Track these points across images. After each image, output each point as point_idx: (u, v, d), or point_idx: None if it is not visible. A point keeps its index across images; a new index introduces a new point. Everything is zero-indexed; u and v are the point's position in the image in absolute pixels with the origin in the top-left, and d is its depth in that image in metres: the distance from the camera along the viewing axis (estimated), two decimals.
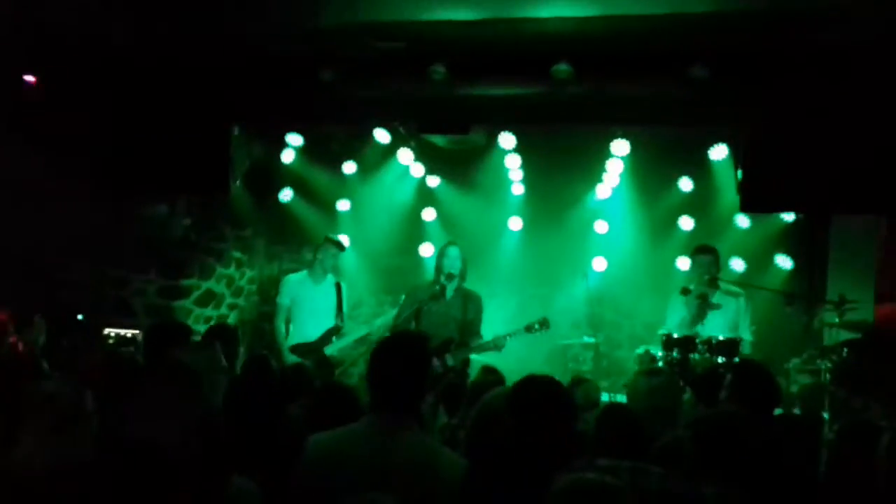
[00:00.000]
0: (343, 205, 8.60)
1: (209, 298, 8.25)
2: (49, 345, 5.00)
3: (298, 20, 5.91)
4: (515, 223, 8.44)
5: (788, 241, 7.84)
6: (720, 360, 5.94)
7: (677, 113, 6.79)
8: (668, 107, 6.68)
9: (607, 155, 7.73)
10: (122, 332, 6.49)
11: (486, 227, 8.40)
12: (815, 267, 7.69)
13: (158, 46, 6.42)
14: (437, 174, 8.52)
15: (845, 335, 6.23)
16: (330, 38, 6.17)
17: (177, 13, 5.87)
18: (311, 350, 6.87)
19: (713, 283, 6.68)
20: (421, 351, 3.17)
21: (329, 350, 6.95)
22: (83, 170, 6.90)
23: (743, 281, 7.25)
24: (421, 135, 7.62)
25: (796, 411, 5.60)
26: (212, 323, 8.11)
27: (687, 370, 5.90)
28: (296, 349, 6.94)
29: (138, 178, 7.12)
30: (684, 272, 7.52)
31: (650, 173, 7.94)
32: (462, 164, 8.33)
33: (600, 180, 8.08)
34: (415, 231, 8.60)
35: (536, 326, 6.52)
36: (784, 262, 7.82)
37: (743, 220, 7.80)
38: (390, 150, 8.22)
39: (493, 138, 7.80)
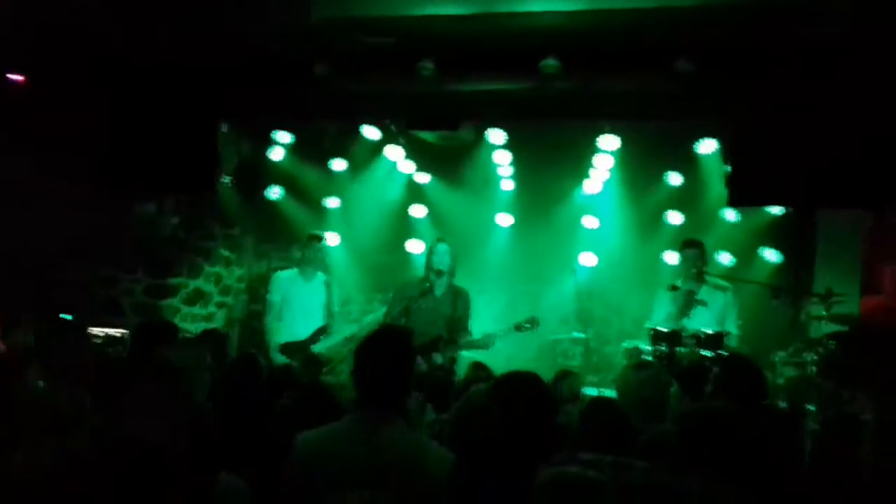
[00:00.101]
0: (332, 202, 8.58)
1: (197, 297, 8.24)
2: (37, 345, 4.97)
3: (287, 16, 5.90)
4: (504, 219, 8.44)
5: (775, 234, 7.88)
6: (707, 353, 5.97)
7: (664, 107, 6.81)
8: (656, 101, 6.71)
9: (595, 150, 7.75)
10: (111, 331, 6.47)
11: (476, 223, 8.39)
12: (801, 260, 7.73)
13: (145, 44, 6.40)
14: (427, 171, 8.51)
15: (832, 328, 6.26)
16: (319, 33, 6.16)
17: (165, 11, 5.85)
18: (300, 349, 6.86)
19: (700, 276, 6.71)
20: (405, 346, 3.18)
21: (317, 348, 6.95)
22: (71, 169, 6.88)
23: (730, 274, 7.28)
24: (410, 131, 7.62)
25: (783, 404, 5.62)
26: (200, 322, 8.11)
27: (674, 364, 5.93)
28: (285, 348, 6.93)
29: (126, 177, 7.08)
30: (672, 266, 7.54)
31: (638, 168, 7.95)
32: (451, 161, 8.33)
33: (588, 175, 8.09)
34: (404, 228, 8.59)
35: (526, 325, 6.52)
36: (771, 255, 7.85)
37: (730, 214, 7.83)
38: (379, 147, 8.22)
39: (482, 134, 7.81)
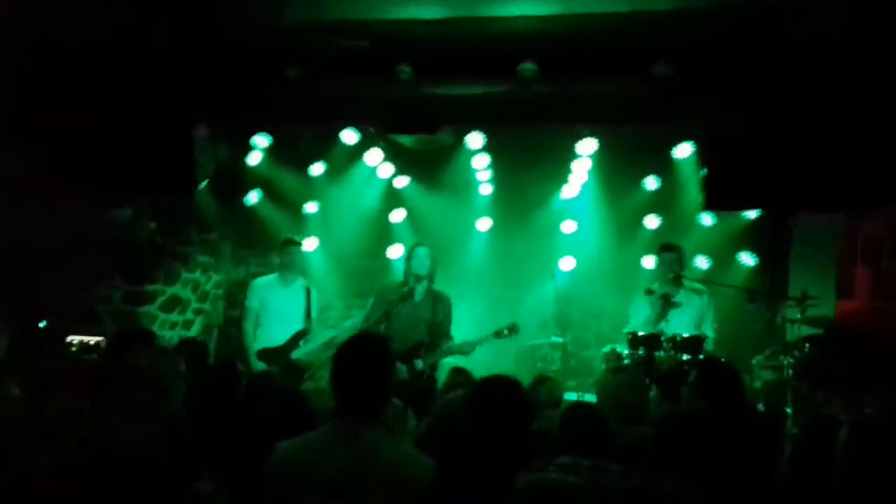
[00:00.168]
0: (311, 207, 8.55)
1: (174, 304, 8.17)
2: (11, 353, 4.92)
3: (262, 17, 5.87)
4: (484, 224, 8.45)
5: (751, 238, 7.94)
6: (685, 357, 6.00)
7: (642, 111, 6.85)
8: (633, 105, 6.75)
9: (574, 154, 7.78)
10: (86, 339, 6.40)
11: (455, 227, 8.39)
12: (777, 264, 7.80)
13: (120, 45, 6.35)
14: (406, 175, 8.51)
15: (807, 331, 6.32)
16: (294, 36, 6.15)
17: (138, 12, 5.81)
18: (279, 354, 6.82)
19: (677, 280, 6.75)
20: (382, 352, 3.17)
21: (297, 354, 6.90)
22: (45, 173, 6.80)
23: (707, 278, 7.33)
24: (388, 135, 7.61)
25: (760, 407, 5.67)
26: (178, 329, 8.05)
27: (652, 367, 5.95)
28: (263, 354, 6.89)
29: (101, 181, 7.01)
30: (650, 270, 7.58)
31: (616, 172, 7.99)
32: (430, 165, 8.32)
33: (567, 180, 8.12)
34: (383, 233, 8.58)
35: (506, 332, 6.50)
36: (747, 259, 7.92)
37: (707, 218, 7.88)
38: (358, 152, 8.20)
39: (460, 138, 7.80)
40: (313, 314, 7.19)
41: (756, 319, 7.51)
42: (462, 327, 6.88)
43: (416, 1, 5.73)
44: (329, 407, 3.44)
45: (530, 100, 6.58)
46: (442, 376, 6.14)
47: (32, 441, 3.10)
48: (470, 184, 8.43)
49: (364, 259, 8.65)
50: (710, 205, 6.81)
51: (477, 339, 6.48)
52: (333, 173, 8.44)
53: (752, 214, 7.80)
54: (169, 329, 7.95)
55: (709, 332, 6.49)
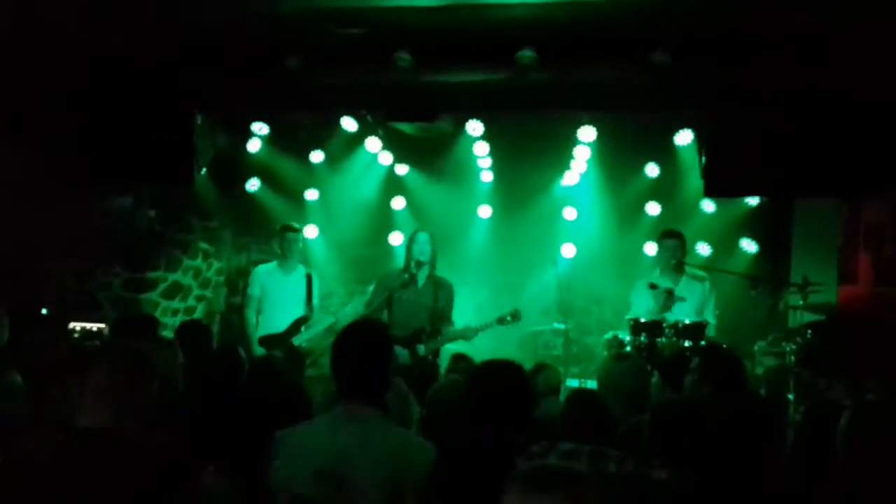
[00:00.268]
0: (311, 194, 8.54)
1: (176, 291, 8.18)
2: (12, 340, 4.92)
3: (259, 5, 5.84)
4: (484, 211, 8.45)
5: (753, 224, 7.93)
6: (687, 343, 6.00)
7: (641, 98, 6.82)
8: (632, 92, 6.72)
9: (574, 142, 7.76)
10: (88, 326, 6.41)
11: (456, 215, 8.39)
12: (778, 250, 7.79)
13: (118, 34, 6.32)
14: (406, 162, 8.49)
15: (809, 317, 6.32)
16: (291, 23, 6.11)
17: (137, 1, 5.78)
18: (280, 340, 6.84)
19: (679, 267, 6.74)
20: (381, 338, 3.17)
21: (298, 340, 6.92)
22: (44, 161, 6.79)
23: (708, 265, 7.32)
24: (388, 122, 7.59)
25: (761, 393, 5.67)
26: (180, 315, 8.05)
27: (654, 354, 5.96)
28: (264, 340, 6.90)
29: (101, 169, 7.01)
30: (651, 257, 7.57)
31: (617, 159, 7.98)
32: (430, 152, 8.31)
33: (568, 167, 8.11)
34: (384, 220, 8.57)
35: (508, 318, 6.51)
36: (749, 245, 7.91)
37: (708, 205, 7.87)
38: (358, 139, 8.18)
39: (460, 125, 7.78)
40: (314, 301, 7.20)
41: (758, 306, 7.50)
42: (464, 314, 6.89)
43: None
44: (331, 393, 3.45)
45: (529, 87, 6.56)
46: (444, 363, 6.15)
47: (32, 427, 3.10)
48: (470, 171, 8.41)
49: (365, 246, 8.66)
50: (710, 192, 6.80)
51: (479, 325, 6.49)
52: (333, 161, 8.43)
53: (753, 201, 7.79)
54: (171, 316, 7.96)
55: (710, 318, 6.50)
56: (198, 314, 8.37)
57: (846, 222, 7.27)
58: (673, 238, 6.84)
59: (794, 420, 4.75)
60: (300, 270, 7.24)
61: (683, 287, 6.68)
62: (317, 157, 8.38)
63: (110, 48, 6.47)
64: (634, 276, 7.25)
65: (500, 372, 3.36)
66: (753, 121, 6.36)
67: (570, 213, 8.24)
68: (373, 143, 8.13)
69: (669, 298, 6.55)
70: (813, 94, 6.19)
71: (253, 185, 8.42)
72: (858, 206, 7.12)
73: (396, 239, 8.35)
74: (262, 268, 7.41)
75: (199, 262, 8.50)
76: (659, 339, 6.08)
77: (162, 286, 8.03)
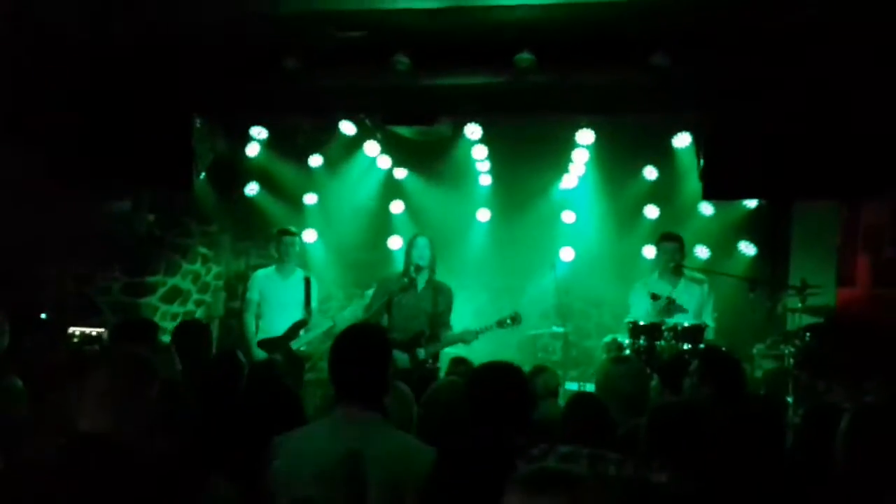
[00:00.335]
0: (310, 198, 8.54)
1: (175, 295, 8.18)
2: (12, 344, 4.92)
3: (258, 8, 5.85)
4: (483, 214, 8.45)
5: (751, 227, 7.94)
6: (686, 346, 6.00)
7: (640, 100, 6.84)
8: (631, 94, 6.74)
9: (573, 144, 7.77)
10: (88, 330, 6.41)
11: (455, 218, 8.40)
12: (777, 253, 7.79)
13: (118, 37, 6.32)
14: (404, 166, 8.50)
15: (808, 320, 6.32)
16: (290, 26, 6.13)
17: (137, 4, 5.79)
18: (279, 344, 6.83)
19: (678, 270, 6.74)
20: (379, 342, 3.17)
21: (296, 344, 6.92)
22: (43, 164, 6.79)
23: (707, 267, 7.33)
24: (387, 126, 7.60)
25: (760, 395, 5.67)
26: (178, 320, 8.05)
27: (653, 357, 5.96)
28: (263, 344, 6.89)
29: (100, 173, 7.02)
30: (650, 260, 7.58)
31: (615, 162, 7.99)
32: (429, 156, 8.32)
33: (566, 170, 8.11)
34: (383, 224, 8.58)
35: (508, 322, 6.50)
36: (747, 248, 7.92)
37: (706, 208, 7.88)
38: (356, 143, 8.19)
39: (459, 129, 7.80)
40: (313, 304, 7.19)
41: (756, 308, 7.50)
42: (463, 318, 6.89)
43: None
44: (330, 397, 3.45)
45: (528, 90, 6.58)
46: (444, 367, 6.15)
47: (33, 432, 3.10)
48: (469, 174, 8.42)
49: (363, 250, 8.67)
50: (708, 194, 6.81)
51: (479, 328, 6.48)
52: (332, 165, 8.44)
53: (751, 204, 7.79)
54: (170, 320, 7.96)
55: (709, 321, 6.50)
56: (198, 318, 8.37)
57: (845, 224, 7.27)
58: (671, 241, 6.84)
59: (793, 423, 4.75)
60: (298, 274, 7.23)
61: (682, 290, 6.68)
62: (315, 161, 8.38)
63: (110, 49, 6.48)
64: (633, 278, 7.25)
65: (500, 374, 3.36)
66: (752, 123, 6.38)
67: (568, 217, 8.24)
68: (371, 147, 8.13)
69: (670, 306, 6.54)
70: (812, 95, 6.20)
71: (252, 189, 8.43)
72: (857, 209, 7.13)
73: (395, 243, 8.36)
74: (260, 272, 7.41)
75: (198, 266, 8.50)
76: (658, 343, 6.08)
77: (161, 290, 8.04)
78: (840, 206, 7.27)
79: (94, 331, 6.42)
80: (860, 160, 6.19)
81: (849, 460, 2.76)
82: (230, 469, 3.08)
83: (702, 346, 5.94)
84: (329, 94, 6.94)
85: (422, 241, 6.64)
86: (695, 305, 6.63)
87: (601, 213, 8.26)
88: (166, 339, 6.18)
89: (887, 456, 2.70)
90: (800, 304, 6.28)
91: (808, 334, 6.02)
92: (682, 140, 7.47)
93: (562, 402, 4.63)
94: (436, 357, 6.49)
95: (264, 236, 8.60)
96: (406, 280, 6.55)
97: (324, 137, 8.31)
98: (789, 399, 5.75)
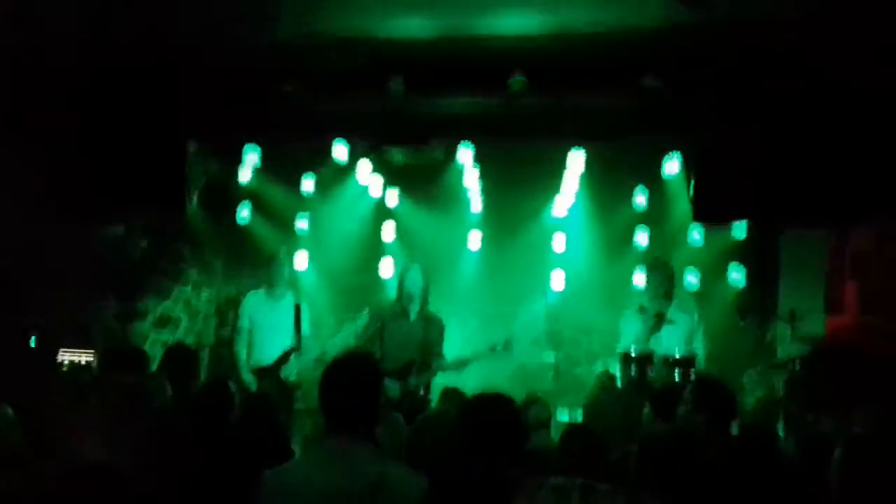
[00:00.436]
0: (301, 223, 8.53)
1: (166, 321, 8.14)
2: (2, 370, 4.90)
3: (254, 33, 5.89)
4: (475, 240, 8.45)
5: (741, 254, 7.95)
6: (677, 375, 6.00)
7: (631, 124, 6.88)
8: (622, 117, 6.78)
9: (564, 168, 7.80)
10: (77, 358, 6.36)
11: (446, 244, 8.37)
12: (766, 280, 7.81)
13: (112, 60, 6.34)
14: (396, 189, 8.50)
15: (798, 348, 6.34)
16: (286, 52, 6.17)
17: (131, 26, 5.82)
18: (268, 372, 6.80)
19: (668, 296, 6.76)
20: (370, 371, 3.15)
21: (287, 371, 6.88)
22: (36, 190, 6.78)
23: (696, 294, 7.34)
24: (380, 148, 7.61)
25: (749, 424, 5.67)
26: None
27: (645, 386, 5.95)
28: (253, 372, 6.87)
29: (91, 196, 6.99)
30: (640, 288, 7.58)
31: (605, 188, 8.00)
32: (421, 180, 8.32)
33: (557, 193, 8.14)
34: (374, 249, 8.54)
35: (499, 348, 6.50)
36: (737, 276, 7.93)
37: (696, 234, 7.90)
38: (349, 168, 8.19)
39: (451, 153, 7.81)
40: (304, 330, 7.16)
41: (747, 336, 7.52)
42: (453, 344, 6.88)
43: (408, 18, 5.78)
44: (321, 426, 3.44)
45: (520, 113, 6.62)
46: (435, 397, 6.14)
47: (22, 460, 3.07)
48: (461, 200, 8.42)
49: (355, 275, 8.62)
50: (698, 216, 6.84)
51: (471, 355, 6.47)
52: (324, 189, 8.43)
53: (741, 233, 7.82)
54: (160, 348, 7.90)
55: (699, 347, 6.50)
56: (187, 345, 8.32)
57: (833, 252, 7.32)
58: (661, 267, 6.86)
59: (784, 452, 4.76)
60: (289, 299, 7.20)
61: (673, 315, 6.69)
62: (308, 185, 8.38)
63: (106, 73, 6.50)
64: (622, 305, 7.25)
65: (492, 406, 3.35)
66: (742, 146, 6.43)
67: (559, 242, 8.25)
68: (363, 171, 8.14)
69: (659, 322, 6.56)
70: (801, 120, 6.25)
71: (244, 213, 8.41)
72: (845, 235, 7.18)
73: (387, 268, 8.34)
74: (250, 296, 7.36)
75: (188, 291, 8.46)
76: (649, 372, 6.08)
77: (152, 317, 8.00)
78: (828, 233, 7.32)
79: (83, 358, 6.37)
80: (848, 186, 6.25)
81: (843, 492, 2.78)
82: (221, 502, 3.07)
83: (693, 375, 5.94)
84: (322, 117, 6.97)
85: (414, 272, 6.64)
86: (685, 331, 6.64)
87: (591, 238, 8.27)
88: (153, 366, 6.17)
89: (881, 486, 2.72)
90: (789, 333, 6.30)
91: (797, 363, 6.05)
92: (671, 165, 7.51)
93: (553, 432, 4.63)
94: (427, 387, 6.47)
95: (255, 261, 8.58)
96: (398, 308, 6.55)
97: (316, 161, 8.30)
98: (780, 428, 5.76)
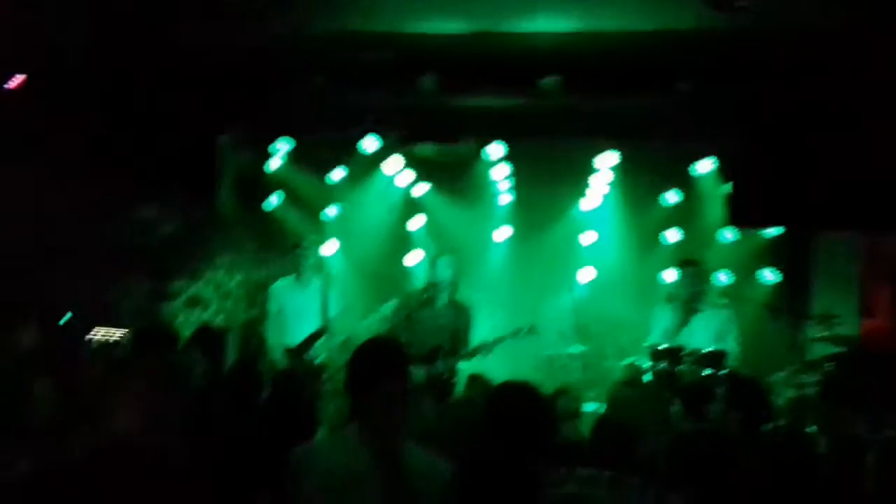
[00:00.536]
0: (331, 211, 8.59)
1: (196, 302, 8.23)
2: (39, 347, 4.96)
3: (288, 27, 5.92)
4: (502, 233, 8.46)
5: (773, 255, 7.90)
6: (706, 371, 5.96)
7: (664, 127, 6.85)
8: (655, 121, 6.75)
9: (594, 167, 7.78)
10: (108, 335, 6.45)
11: (474, 237, 8.41)
12: (799, 281, 7.75)
13: (147, 53, 6.41)
14: (425, 184, 8.53)
15: (830, 349, 6.28)
16: (319, 46, 6.20)
17: (167, 20, 5.87)
18: (296, 353, 6.86)
19: (700, 295, 6.71)
20: (396, 355, 3.15)
21: (314, 353, 6.94)
22: (71, 173, 6.87)
23: (728, 294, 7.29)
24: (409, 143, 7.64)
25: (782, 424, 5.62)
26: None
27: (674, 381, 5.92)
28: (282, 354, 6.93)
29: (126, 183, 7.09)
30: (670, 284, 7.54)
31: (637, 185, 7.98)
32: (450, 174, 8.35)
33: (586, 192, 8.12)
34: (402, 238, 8.60)
35: (524, 332, 6.50)
36: (769, 275, 7.87)
37: (728, 234, 7.85)
38: (378, 159, 8.23)
39: (481, 148, 7.83)
40: (330, 314, 7.21)
41: (779, 337, 7.45)
42: (481, 334, 6.87)
43: (441, 15, 5.79)
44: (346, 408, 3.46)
45: (552, 113, 6.61)
46: (460, 384, 6.15)
47: (57, 434, 3.12)
48: (489, 193, 8.44)
49: (383, 263, 8.66)
50: (734, 221, 6.79)
51: (495, 339, 6.47)
52: (353, 179, 8.48)
53: (773, 231, 7.75)
54: (191, 328, 7.99)
55: (733, 346, 6.43)
56: (217, 326, 8.41)
57: (867, 255, 7.24)
58: (693, 266, 6.81)
59: (817, 452, 4.72)
60: (315, 285, 7.26)
61: (704, 313, 6.64)
62: (337, 175, 8.43)
63: (140, 65, 6.57)
64: (651, 301, 7.22)
65: (523, 395, 3.33)
66: (776, 151, 6.37)
67: (588, 238, 8.23)
68: (393, 164, 8.18)
69: (689, 311, 6.50)
70: (838, 126, 6.18)
71: (273, 201, 8.48)
72: (879, 239, 7.10)
73: (414, 258, 8.37)
74: (279, 284, 7.44)
75: (220, 274, 8.55)
76: (678, 367, 6.05)
77: (183, 297, 8.09)
78: (862, 237, 7.24)
79: (115, 336, 6.45)
80: (883, 190, 6.17)
81: (879, 495, 2.75)
82: (252, 480, 3.10)
83: (723, 371, 5.90)
84: (354, 111, 7.00)
85: (444, 262, 6.66)
86: (716, 330, 6.58)
87: (621, 235, 8.25)
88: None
89: None
90: (821, 334, 6.23)
91: (830, 364, 5.98)
92: (703, 166, 7.46)
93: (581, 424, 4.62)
94: (453, 372, 6.49)
95: (284, 248, 8.64)
96: (426, 296, 6.57)
97: (346, 152, 8.36)
98: (812, 429, 5.70)
